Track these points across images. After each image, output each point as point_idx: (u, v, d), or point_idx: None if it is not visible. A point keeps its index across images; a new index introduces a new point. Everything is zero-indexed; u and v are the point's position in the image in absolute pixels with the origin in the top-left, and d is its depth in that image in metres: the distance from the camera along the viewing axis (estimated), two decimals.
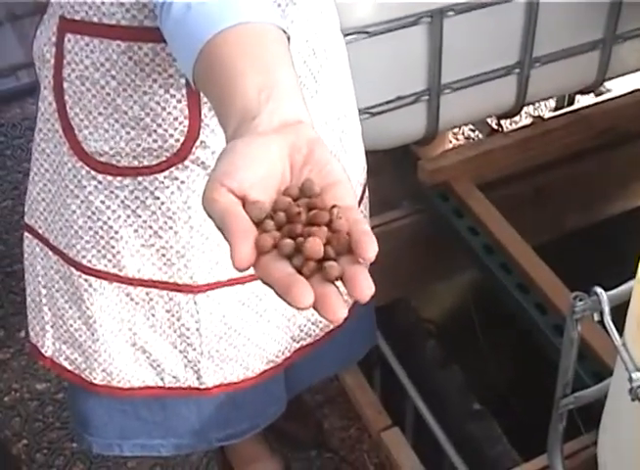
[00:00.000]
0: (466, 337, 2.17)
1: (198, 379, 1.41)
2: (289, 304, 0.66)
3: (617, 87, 2.57)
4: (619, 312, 1.17)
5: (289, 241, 0.69)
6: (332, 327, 1.47)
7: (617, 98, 2.34)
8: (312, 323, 1.45)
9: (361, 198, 1.44)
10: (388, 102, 1.87)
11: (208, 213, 0.71)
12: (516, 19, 1.95)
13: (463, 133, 2.95)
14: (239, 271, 0.70)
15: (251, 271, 1.29)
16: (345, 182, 0.74)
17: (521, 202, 2.09)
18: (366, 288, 0.67)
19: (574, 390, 1.38)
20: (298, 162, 0.74)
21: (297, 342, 1.45)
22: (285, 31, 0.86)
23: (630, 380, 1.09)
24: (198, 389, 1.42)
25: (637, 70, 2.34)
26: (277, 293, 0.67)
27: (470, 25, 1.87)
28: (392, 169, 2.08)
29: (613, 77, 2.30)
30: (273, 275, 0.68)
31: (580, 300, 1.18)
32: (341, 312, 0.66)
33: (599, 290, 1.16)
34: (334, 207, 0.70)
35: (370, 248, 0.68)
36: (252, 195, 0.71)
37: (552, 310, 1.65)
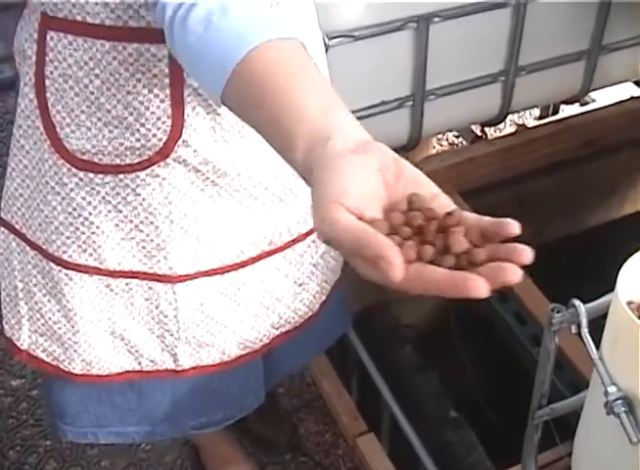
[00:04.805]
0: (444, 344, 2.17)
1: (174, 362, 1.41)
2: (461, 297, 0.68)
3: (602, 98, 2.58)
4: (598, 325, 1.17)
5: (429, 247, 0.71)
6: (310, 314, 1.48)
7: (601, 109, 2.35)
8: (292, 311, 1.45)
9: None
10: (371, 106, 1.87)
11: (328, 233, 0.71)
12: (502, 27, 1.95)
13: (447, 139, 2.95)
14: (394, 284, 0.69)
15: (229, 262, 1.28)
16: (440, 192, 0.76)
17: (502, 210, 2.07)
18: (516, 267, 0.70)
19: (551, 400, 1.38)
20: (390, 179, 0.75)
21: (277, 329, 1.46)
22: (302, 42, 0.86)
23: (606, 394, 1.09)
24: (174, 371, 1.43)
25: (622, 82, 2.35)
26: (442, 293, 0.69)
27: (456, 32, 1.87)
28: None
29: (597, 88, 2.31)
30: (436, 279, 0.69)
31: (558, 312, 1.18)
32: (517, 273, 0.69)
33: (577, 302, 1.16)
34: (448, 214, 0.73)
35: (509, 226, 0.71)
36: (368, 213, 0.72)
37: (531, 320, 1.65)
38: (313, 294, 1.47)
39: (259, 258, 1.35)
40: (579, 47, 2.11)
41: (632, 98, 2.36)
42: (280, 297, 1.42)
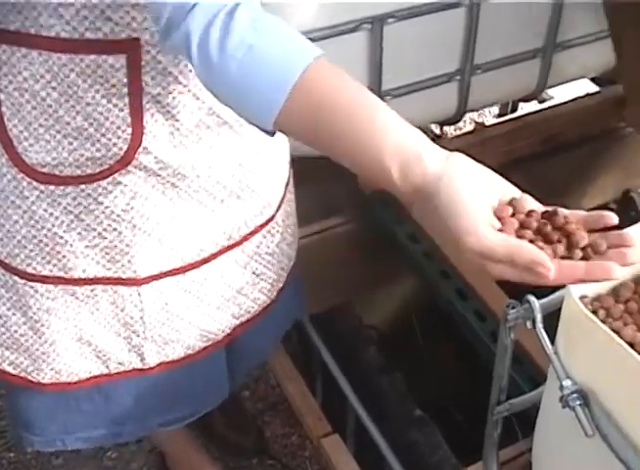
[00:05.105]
0: (407, 343, 2.18)
1: (141, 361, 1.42)
2: (599, 281, 0.87)
3: (560, 95, 2.60)
4: (554, 320, 1.18)
5: (559, 245, 0.86)
6: (269, 302, 1.51)
7: (558, 106, 2.37)
8: (252, 301, 1.48)
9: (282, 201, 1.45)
10: None
11: (480, 248, 0.83)
12: (457, 26, 1.96)
13: None
14: (546, 282, 0.85)
15: (191, 260, 1.31)
16: (522, 193, 0.90)
17: None
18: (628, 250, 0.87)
19: (512, 396, 1.38)
20: (489, 188, 0.88)
21: (237, 319, 1.48)
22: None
23: (561, 388, 1.09)
24: (141, 369, 1.44)
25: (577, 78, 2.37)
26: (582, 281, 0.86)
27: (411, 33, 1.87)
28: (333, 176, 2.07)
29: (554, 85, 2.33)
30: (579, 272, 0.85)
31: (513, 308, 1.19)
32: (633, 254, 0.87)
33: (531, 298, 1.17)
34: (553, 213, 0.88)
35: (608, 218, 0.88)
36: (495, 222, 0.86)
37: (490, 317, 1.65)
38: (271, 282, 1.50)
39: (219, 253, 1.37)
40: (534, 45, 2.12)
41: (588, 95, 2.37)
42: (239, 288, 1.44)
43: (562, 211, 0.89)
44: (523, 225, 0.87)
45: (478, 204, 0.85)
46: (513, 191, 0.90)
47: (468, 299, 1.72)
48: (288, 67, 0.90)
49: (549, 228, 0.86)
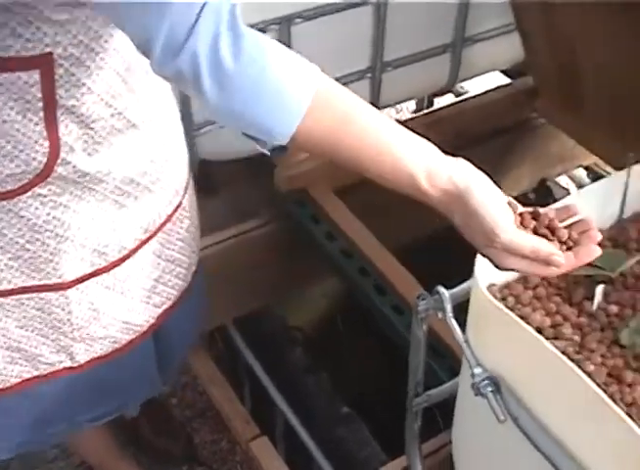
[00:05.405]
0: (333, 342, 2.18)
1: (71, 360, 1.42)
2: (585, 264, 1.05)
3: (475, 88, 2.64)
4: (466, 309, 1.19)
5: (556, 242, 1.03)
6: (185, 287, 1.53)
7: (470, 99, 2.39)
8: (170, 287, 1.50)
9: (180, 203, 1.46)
10: None
11: (510, 244, 1.00)
12: (365, 24, 1.97)
13: None
14: (557, 273, 1.03)
15: (113, 259, 1.31)
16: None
17: (381, 205, 2.10)
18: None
19: (434, 387, 1.39)
20: None
21: (160, 307, 1.49)
22: None
23: (472, 375, 1.11)
24: (71, 367, 1.44)
25: (488, 71, 2.40)
26: (577, 265, 1.03)
27: (319, 32, 1.88)
28: (249, 178, 2.08)
29: (465, 79, 2.36)
30: (571, 259, 1.03)
31: (423, 299, 1.20)
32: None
33: (441, 289, 1.18)
34: (538, 214, 1.04)
35: (572, 207, 1.07)
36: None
37: (408, 311, 1.66)
38: (186, 267, 1.52)
39: (138, 248, 1.38)
40: (443, 40, 2.15)
41: (499, 87, 2.40)
42: (158, 277, 1.46)
43: (542, 210, 1.04)
44: (522, 224, 1.02)
45: (505, 204, 1.02)
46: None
47: (386, 294, 1.73)
48: (307, 73, 0.99)
49: (543, 227, 1.02)
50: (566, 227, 1.04)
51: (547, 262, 1.01)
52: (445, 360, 1.57)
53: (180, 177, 1.42)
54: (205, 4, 0.94)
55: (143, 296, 1.45)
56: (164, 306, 1.50)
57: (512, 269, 1.03)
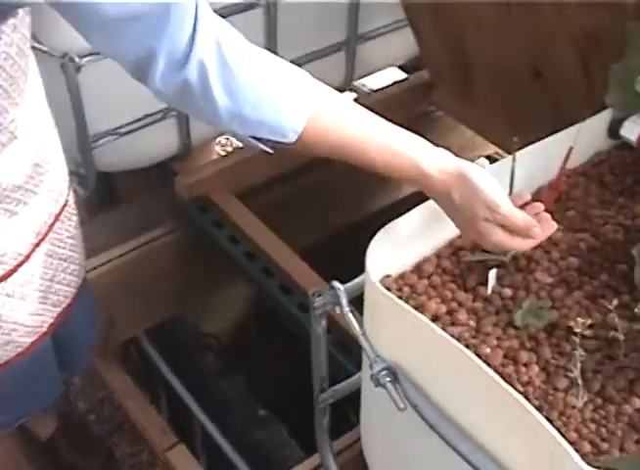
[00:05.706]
0: (245, 345, 2.18)
1: None
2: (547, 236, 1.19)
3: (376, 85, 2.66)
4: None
5: None
6: (80, 283, 1.54)
7: (367, 95, 2.42)
8: (66, 286, 1.50)
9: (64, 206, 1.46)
10: (135, 121, 1.86)
11: (509, 218, 1.12)
12: (256, 27, 1.98)
13: (231, 144, 2.96)
14: (532, 245, 1.18)
15: (10, 267, 1.35)
16: None
17: (284, 206, 2.11)
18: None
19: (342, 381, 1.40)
20: None
21: (59, 306, 1.49)
22: None
23: (371, 367, 1.12)
24: None
25: (385, 67, 2.43)
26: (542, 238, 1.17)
27: None
28: (151, 188, 2.07)
29: (362, 76, 2.38)
30: (538, 233, 1.15)
31: (319, 295, 1.20)
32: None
33: (336, 283, 1.19)
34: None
35: (524, 196, 1.20)
36: None
37: None
38: (78, 263, 1.52)
39: (32, 251, 1.37)
40: (337, 39, 2.17)
41: (395, 82, 2.43)
42: (53, 277, 1.45)
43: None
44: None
45: (501, 191, 1.13)
46: None
47: (292, 293, 1.73)
48: (303, 71, 1.10)
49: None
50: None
51: (528, 236, 1.13)
52: (353, 354, 1.58)
53: (62, 176, 1.42)
54: (197, 6, 0.95)
55: (41, 298, 1.44)
56: (63, 305, 1.50)
57: (497, 246, 1.15)
